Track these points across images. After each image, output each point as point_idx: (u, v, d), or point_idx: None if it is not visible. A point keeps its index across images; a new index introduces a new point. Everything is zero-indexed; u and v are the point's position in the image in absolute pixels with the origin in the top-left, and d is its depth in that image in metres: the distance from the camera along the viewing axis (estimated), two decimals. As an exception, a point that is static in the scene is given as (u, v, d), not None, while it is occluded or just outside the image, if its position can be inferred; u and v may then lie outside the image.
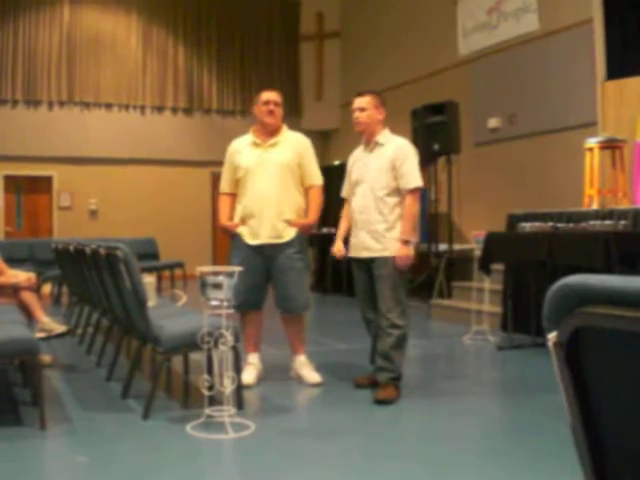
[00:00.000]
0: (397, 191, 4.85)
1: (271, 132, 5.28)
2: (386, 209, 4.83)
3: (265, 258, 5.18)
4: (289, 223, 5.14)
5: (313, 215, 5.27)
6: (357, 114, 4.97)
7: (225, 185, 5.40)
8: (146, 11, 15.53)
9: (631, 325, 0.94)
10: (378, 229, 4.83)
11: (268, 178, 5.15)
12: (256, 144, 5.27)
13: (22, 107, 14.66)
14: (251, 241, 5.17)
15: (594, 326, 0.99)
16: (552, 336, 1.04)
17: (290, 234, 5.15)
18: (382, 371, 4.80)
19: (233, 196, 5.34)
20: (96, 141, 15.05)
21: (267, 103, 5.24)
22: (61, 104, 14.92)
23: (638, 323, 0.93)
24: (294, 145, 5.29)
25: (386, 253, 4.79)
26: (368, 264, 4.90)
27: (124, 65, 15.37)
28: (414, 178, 4.83)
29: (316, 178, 5.33)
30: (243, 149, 5.30)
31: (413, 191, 4.82)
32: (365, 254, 4.90)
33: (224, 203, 5.40)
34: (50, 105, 14.86)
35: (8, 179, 14.66)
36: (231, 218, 5.31)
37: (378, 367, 4.85)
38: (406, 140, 5.07)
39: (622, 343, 0.98)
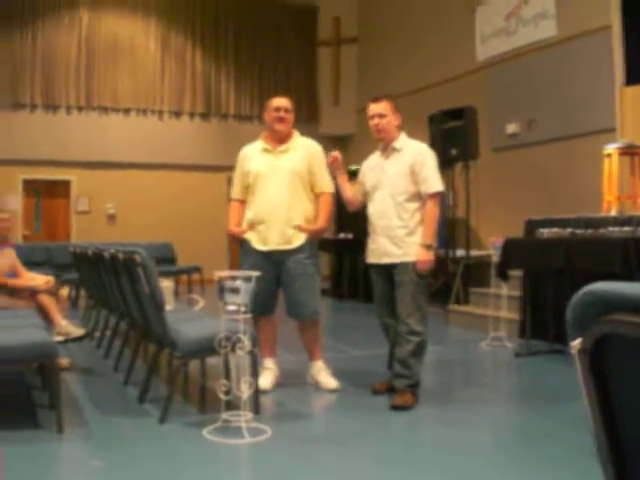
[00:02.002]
0: (417, 196, 4.82)
1: (282, 138, 5.27)
2: (406, 214, 4.81)
3: (274, 264, 5.16)
4: (298, 229, 5.13)
5: (322, 221, 5.25)
6: (377, 121, 4.93)
7: (236, 191, 5.39)
8: (164, 16, 15.61)
9: (656, 333, 0.93)
10: (399, 234, 4.80)
11: (278, 184, 5.14)
12: (266, 150, 5.26)
13: (41, 112, 14.75)
14: (260, 247, 5.16)
15: (618, 333, 0.98)
16: (576, 343, 1.04)
17: (299, 240, 5.13)
18: (400, 377, 4.78)
19: (243, 202, 5.33)
20: (114, 146, 15.13)
21: (277, 110, 5.23)
22: (79, 109, 15.00)
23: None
24: (305, 152, 5.27)
25: (407, 258, 4.76)
26: (389, 270, 4.87)
27: (142, 70, 15.44)
28: (435, 183, 4.80)
29: (326, 185, 5.31)
30: (254, 155, 5.30)
31: (434, 195, 4.80)
32: (386, 260, 4.87)
33: (234, 209, 5.39)
34: (68, 110, 14.95)
35: (27, 183, 14.75)
36: (240, 224, 5.31)
37: (396, 373, 4.84)
38: (423, 144, 5.04)
39: (647, 351, 0.97)
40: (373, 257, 5.00)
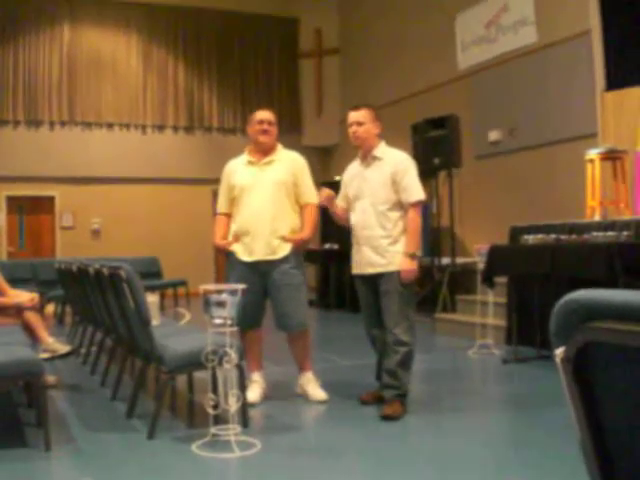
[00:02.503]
0: (399, 205, 4.81)
1: (266, 151, 5.30)
2: (389, 223, 4.80)
3: (261, 275, 5.17)
4: (283, 239, 5.14)
5: (307, 231, 5.26)
6: (354, 128, 4.94)
7: (222, 205, 5.41)
8: (145, 31, 15.61)
9: (638, 340, 0.93)
10: (382, 244, 4.79)
11: (263, 196, 5.16)
12: (251, 163, 5.29)
13: (23, 128, 14.71)
14: (245, 258, 5.17)
15: (601, 341, 0.99)
16: (559, 351, 1.04)
17: (284, 250, 5.14)
18: (388, 388, 4.78)
19: (229, 216, 5.35)
20: (98, 161, 15.09)
21: (261, 122, 5.26)
22: (62, 124, 14.97)
23: (646, 337, 0.92)
24: (289, 164, 5.30)
25: (391, 268, 4.75)
26: (373, 280, 4.86)
27: (124, 85, 15.43)
28: (416, 191, 4.80)
29: (311, 196, 5.32)
30: (238, 168, 5.33)
31: (415, 204, 4.80)
32: (370, 270, 4.85)
33: (219, 223, 5.40)
34: (51, 125, 14.91)
35: (10, 200, 14.69)
36: (225, 237, 5.32)
37: (384, 384, 4.83)
38: (404, 153, 5.03)
39: (629, 358, 0.97)
40: (357, 268, 4.99)
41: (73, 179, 14.93)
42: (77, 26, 15.10)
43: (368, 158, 4.97)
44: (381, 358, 5.04)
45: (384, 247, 4.80)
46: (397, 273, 4.74)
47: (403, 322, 4.73)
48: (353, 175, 5.08)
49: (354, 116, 4.98)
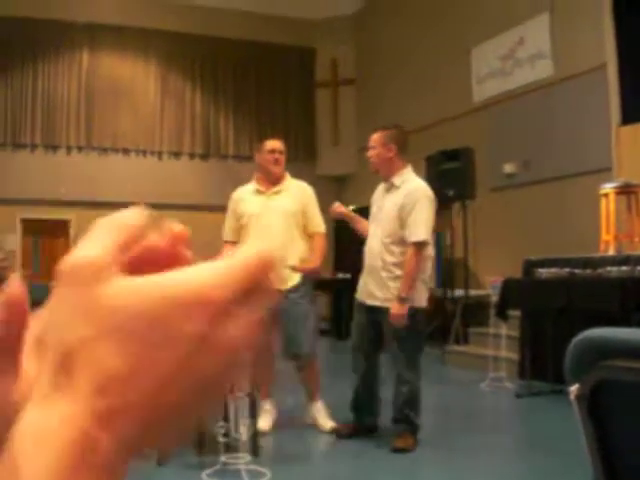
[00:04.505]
0: (404, 240, 4.61)
1: (274, 180, 5.32)
2: (391, 257, 4.64)
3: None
4: (293, 269, 5.14)
5: (316, 261, 5.27)
6: (369, 152, 4.88)
7: (228, 233, 5.45)
8: (163, 58, 15.75)
9: (653, 378, 0.93)
10: (382, 276, 4.67)
11: (272, 225, 5.17)
12: (259, 192, 5.31)
13: (41, 151, 14.82)
14: None
15: (616, 379, 0.99)
16: (574, 389, 1.04)
17: (294, 280, 5.14)
18: (398, 422, 4.74)
19: (235, 244, 5.37)
20: (113, 186, 15.16)
21: (272, 152, 5.29)
22: (79, 149, 15.08)
23: (660, 376, 0.92)
24: (298, 193, 5.32)
25: (388, 304, 4.60)
26: (371, 311, 4.78)
27: (142, 111, 15.54)
28: (419, 231, 4.53)
29: (319, 225, 5.33)
30: (247, 197, 5.35)
31: (416, 245, 4.52)
32: (369, 301, 4.78)
33: (227, 251, 5.41)
34: (68, 150, 15.02)
35: (26, 222, 14.77)
36: None
37: (393, 418, 4.79)
38: (423, 184, 4.81)
39: (644, 396, 0.98)
40: (359, 294, 4.95)
41: (88, 203, 14.99)
42: (96, 52, 15.25)
43: (388, 184, 4.84)
44: (360, 385, 5.02)
45: (383, 280, 4.67)
46: None
47: (404, 360, 4.66)
48: (375, 199, 5.00)
49: (370, 141, 4.91)
